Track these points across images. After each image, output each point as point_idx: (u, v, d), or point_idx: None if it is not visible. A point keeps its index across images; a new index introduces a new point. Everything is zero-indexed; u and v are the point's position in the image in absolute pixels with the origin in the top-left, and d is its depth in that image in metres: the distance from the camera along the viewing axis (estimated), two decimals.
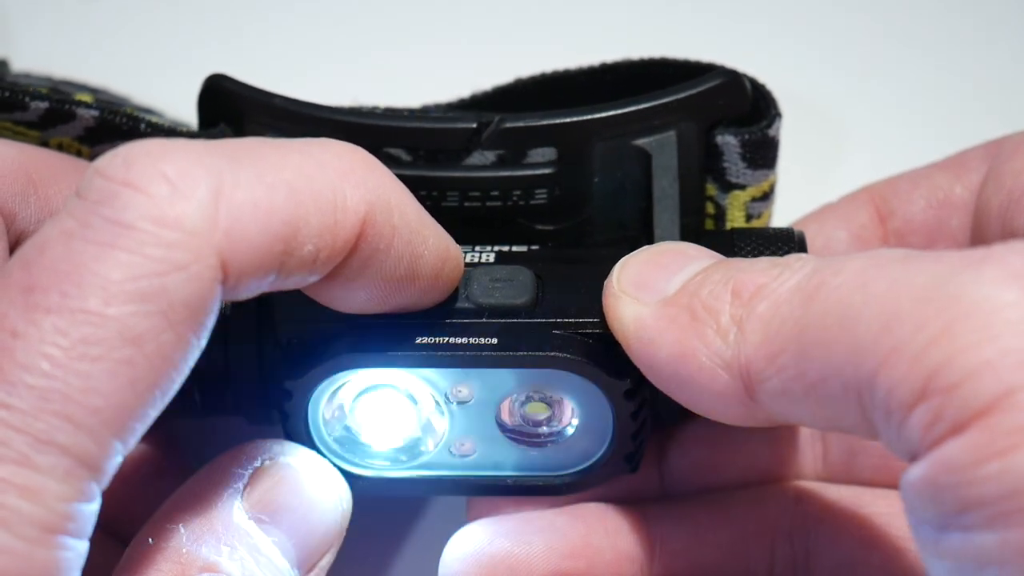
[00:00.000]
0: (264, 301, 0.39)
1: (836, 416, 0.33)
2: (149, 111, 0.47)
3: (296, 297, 0.37)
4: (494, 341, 0.39)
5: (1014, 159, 0.42)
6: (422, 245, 0.36)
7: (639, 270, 0.38)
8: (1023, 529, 0.29)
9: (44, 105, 0.43)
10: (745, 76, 0.43)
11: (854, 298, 0.32)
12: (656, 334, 0.36)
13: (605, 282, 0.39)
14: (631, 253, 0.39)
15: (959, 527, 0.30)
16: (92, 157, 0.43)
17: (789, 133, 0.44)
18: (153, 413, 0.32)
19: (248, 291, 0.34)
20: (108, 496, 0.32)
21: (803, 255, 0.35)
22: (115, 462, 0.32)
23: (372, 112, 0.43)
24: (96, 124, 0.43)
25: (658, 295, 0.37)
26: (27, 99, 0.43)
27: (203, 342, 0.33)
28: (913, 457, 0.31)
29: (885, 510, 0.42)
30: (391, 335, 0.39)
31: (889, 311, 0.31)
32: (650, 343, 0.36)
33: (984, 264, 0.31)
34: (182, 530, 0.37)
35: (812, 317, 0.33)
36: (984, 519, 0.29)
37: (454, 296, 0.39)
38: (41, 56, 0.54)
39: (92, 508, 0.31)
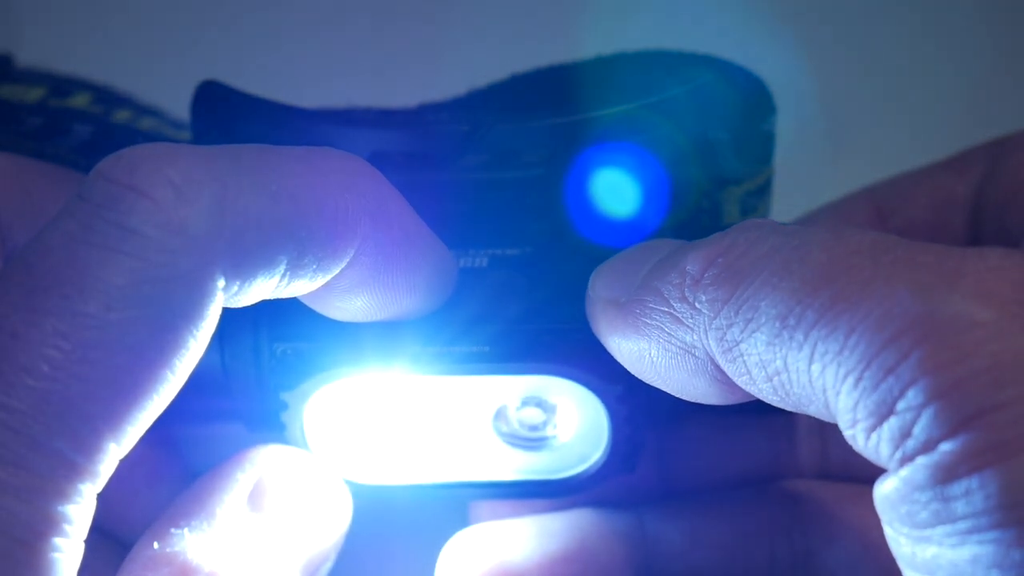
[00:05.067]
0: (260, 309, 0.39)
1: (800, 403, 0.33)
2: (150, 110, 0.47)
3: (292, 305, 0.37)
4: (488, 348, 0.39)
5: (1013, 157, 0.42)
6: (418, 255, 0.37)
7: (610, 273, 0.38)
8: (993, 546, 0.29)
9: (40, 120, 0.43)
10: (741, 69, 0.43)
11: (823, 294, 0.32)
12: (623, 332, 0.36)
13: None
14: (609, 259, 0.39)
15: (931, 542, 0.30)
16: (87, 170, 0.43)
17: (788, 129, 0.44)
18: (150, 417, 0.32)
19: (248, 298, 0.34)
20: (109, 500, 0.32)
21: (756, 222, 0.35)
22: (111, 465, 0.32)
23: (366, 115, 0.43)
24: (92, 139, 0.43)
25: (627, 294, 0.37)
26: (23, 115, 0.43)
27: (203, 347, 0.33)
28: (883, 467, 0.31)
29: None
30: (386, 343, 0.39)
31: (862, 317, 0.31)
32: (621, 342, 0.36)
33: (958, 278, 0.31)
34: (186, 534, 0.37)
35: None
36: (956, 536, 0.29)
37: (449, 302, 0.39)
38: (45, 52, 0.54)
39: (87, 510, 0.31)
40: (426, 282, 0.37)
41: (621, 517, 0.43)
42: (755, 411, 0.44)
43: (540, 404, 0.41)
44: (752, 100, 0.43)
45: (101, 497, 0.32)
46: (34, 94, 0.44)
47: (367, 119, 0.42)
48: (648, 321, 0.35)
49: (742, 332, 0.33)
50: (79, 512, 0.31)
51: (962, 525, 0.29)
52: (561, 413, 0.41)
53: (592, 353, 0.39)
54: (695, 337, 0.34)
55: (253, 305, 0.35)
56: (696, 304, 0.34)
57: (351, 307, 0.37)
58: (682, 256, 0.35)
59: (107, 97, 0.45)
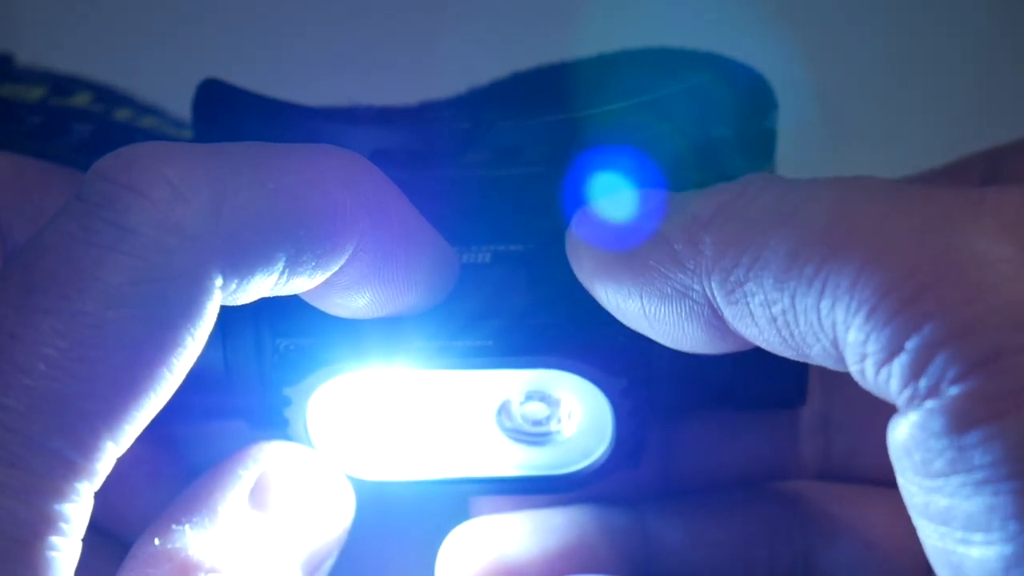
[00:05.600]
0: (262, 305, 0.39)
1: (803, 345, 0.32)
2: (151, 109, 0.47)
3: (294, 301, 0.37)
4: (491, 342, 0.39)
5: (1012, 162, 0.42)
6: (418, 250, 0.37)
7: (598, 215, 0.38)
8: (1011, 497, 0.28)
9: (40, 119, 0.43)
10: (742, 66, 0.43)
11: (836, 229, 0.31)
12: (615, 275, 0.36)
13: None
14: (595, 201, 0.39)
15: (945, 492, 0.29)
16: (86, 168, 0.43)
17: (790, 126, 0.44)
18: (148, 416, 0.32)
19: (247, 296, 0.34)
20: (110, 498, 0.33)
21: (764, 174, 0.35)
22: (109, 464, 0.32)
23: (367, 113, 0.43)
24: (92, 138, 0.43)
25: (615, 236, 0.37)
26: (23, 114, 0.43)
27: (201, 346, 0.33)
28: (896, 409, 0.30)
29: (887, 509, 0.42)
30: (388, 338, 0.39)
31: (876, 250, 0.30)
32: (609, 285, 0.36)
33: (979, 212, 0.30)
34: (187, 531, 0.37)
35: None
36: (971, 485, 0.29)
37: (451, 298, 0.39)
38: (45, 51, 0.54)
39: (84, 509, 0.31)
40: (427, 278, 0.37)
41: (621, 514, 0.43)
42: (757, 409, 0.44)
43: (544, 398, 0.41)
44: (754, 97, 0.43)
45: (101, 495, 0.32)
46: (35, 93, 0.44)
47: (368, 116, 0.42)
48: (647, 263, 0.35)
49: (748, 271, 0.33)
50: (76, 511, 0.31)
51: (979, 475, 0.29)
52: (565, 407, 0.41)
53: (596, 347, 0.39)
54: (694, 279, 0.34)
55: (254, 301, 0.35)
56: (699, 246, 0.34)
57: (352, 303, 0.37)
58: (687, 201, 0.35)
59: (108, 96, 0.45)
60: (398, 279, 0.36)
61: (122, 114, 0.44)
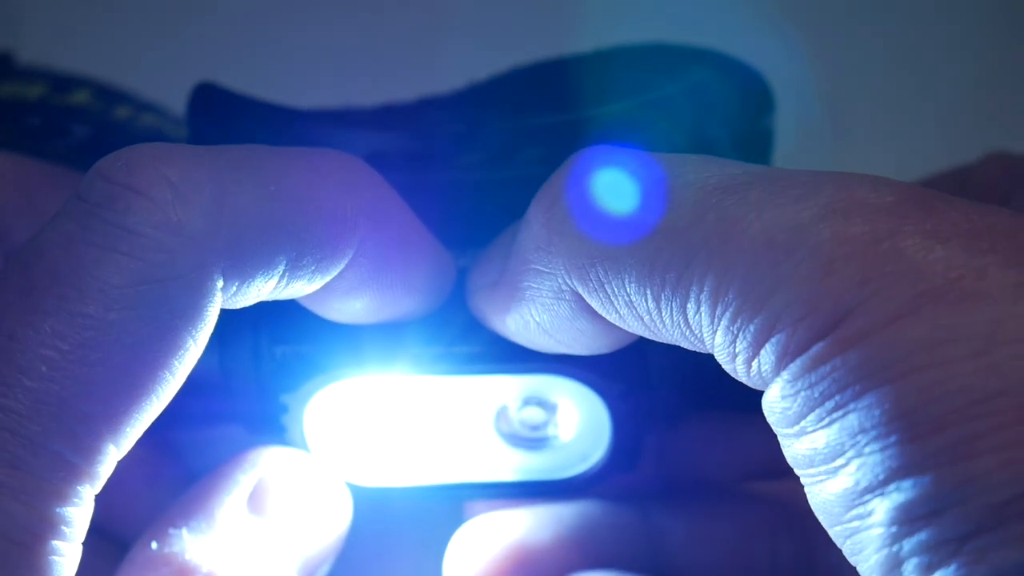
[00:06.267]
0: (260, 311, 0.39)
1: (673, 340, 0.33)
2: (150, 107, 0.46)
3: (291, 307, 0.37)
4: (488, 348, 0.39)
5: (980, 171, 0.42)
6: (416, 256, 0.36)
7: (481, 263, 0.38)
8: (855, 414, 0.29)
9: (39, 120, 0.43)
10: (741, 65, 0.42)
11: (681, 213, 0.32)
12: (505, 306, 0.36)
13: None
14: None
15: (806, 432, 0.30)
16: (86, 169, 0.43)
17: (787, 126, 0.44)
18: (149, 418, 0.32)
19: (247, 299, 0.34)
20: (109, 501, 0.32)
21: (596, 148, 0.35)
22: (110, 467, 0.32)
23: (364, 114, 0.43)
24: (91, 138, 0.43)
25: (497, 273, 0.37)
26: (23, 114, 0.42)
27: (201, 348, 0.32)
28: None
29: None
30: (386, 343, 0.39)
31: (732, 254, 0.31)
32: (507, 318, 0.36)
33: (817, 199, 0.31)
34: (185, 535, 0.37)
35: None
36: (825, 417, 0.29)
37: (448, 303, 0.39)
38: (44, 50, 0.54)
39: (85, 512, 0.31)
40: (425, 283, 0.37)
41: (626, 510, 0.43)
42: (756, 410, 0.43)
43: (541, 403, 0.41)
44: (752, 97, 0.43)
45: (100, 498, 0.32)
46: (34, 91, 0.44)
47: (365, 119, 0.42)
48: (519, 285, 0.35)
49: (607, 273, 0.33)
50: (77, 514, 0.31)
51: (829, 404, 0.29)
52: (562, 412, 0.41)
53: None
54: (560, 281, 0.34)
55: (252, 307, 0.35)
56: (550, 248, 0.34)
57: (350, 309, 0.36)
58: (528, 209, 0.35)
59: (107, 94, 0.45)
60: (396, 284, 0.36)
61: (121, 112, 0.44)
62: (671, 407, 0.38)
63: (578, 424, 0.41)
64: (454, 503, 0.44)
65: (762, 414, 0.43)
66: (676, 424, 0.44)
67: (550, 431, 0.41)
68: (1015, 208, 0.32)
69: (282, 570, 0.38)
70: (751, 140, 0.42)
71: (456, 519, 0.43)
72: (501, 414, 0.41)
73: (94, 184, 0.32)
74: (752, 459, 0.44)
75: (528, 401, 0.41)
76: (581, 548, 0.42)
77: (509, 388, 0.40)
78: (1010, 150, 0.44)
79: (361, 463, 0.41)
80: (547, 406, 0.41)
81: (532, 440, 0.41)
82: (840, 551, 0.31)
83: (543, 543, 0.42)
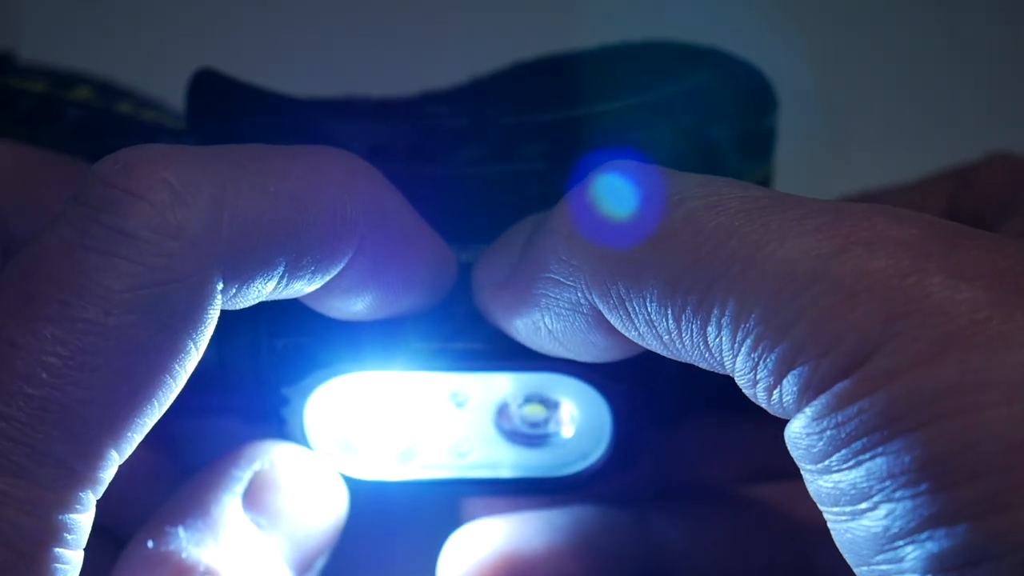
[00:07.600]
0: (259, 304, 0.39)
1: (693, 360, 0.33)
2: (151, 103, 0.46)
3: (290, 301, 0.37)
4: (489, 344, 0.39)
5: (981, 174, 0.42)
6: (417, 253, 0.36)
7: (490, 258, 0.38)
8: (883, 459, 0.29)
9: (34, 103, 0.42)
10: (743, 64, 0.42)
11: (704, 236, 0.32)
12: (515, 310, 0.36)
13: None
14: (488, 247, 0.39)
15: (831, 471, 0.30)
16: (82, 154, 0.42)
17: (789, 125, 0.44)
18: (150, 422, 0.32)
19: (246, 301, 0.33)
20: (105, 495, 0.32)
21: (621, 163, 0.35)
22: (111, 472, 0.31)
23: (365, 107, 0.42)
24: (85, 122, 0.43)
25: (508, 273, 0.37)
26: (17, 98, 0.42)
27: (201, 351, 0.32)
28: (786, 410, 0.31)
29: None
30: (387, 339, 0.39)
31: (754, 278, 0.31)
32: (516, 321, 0.36)
33: (844, 232, 0.31)
34: (181, 532, 0.37)
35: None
36: (851, 458, 0.29)
37: (449, 298, 0.39)
38: (46, 49, 0.54)
39: (87, 518, 0.31)
40: (425, 280, 0.37)
41: (622, 513, 0.43)
42: (756, 411, 0.43)
43: (542, 401, 0.41)
44: (754, 96, 0.42)
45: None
46: (35, 88, 0.44)
47: (366, 111, 0.42)
48: (533, 290, 0.35)
49: (628, 291, 0.33)
50: (80, 520, 0.31)
51: (856, 446, 0.29)
52: (563, 410, 0.41)
53: None
54: (579, 295, 0.34)
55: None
56: (572, 261, 0.34)
57: (350, 307, 0.36)
58: (549, 217, 0.35)
59: (108, 91, 0.45)
60: (397, 282, 0.36)
61: (122, 107, 0.44)
62: (672, 406, 0.38)
63: (578, 422, 0.41)
64: (453, 499, 0.43)
65: (762, 415, 0.43)
66: (674, 425, 0.44)
67: (551, 428, 0.41)
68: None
69: (279, 565, 0.38)
70: (753, 139, 0.42)
71: (455, 515, 0.43)
72: (502, 410, 0.41)
73: (92, 187, 0.31)
74: (751, 461, 0.44)
75: (529, 398, 0.41)
76: (575, 555, 0.42)
77: (510, 385, 0.40)
78: (1011, 150, 0.44)
79: (361, 457, 0.41)
80: (548, 403, 0.41)
81: (532, 437, 0.41)
82: (838, 554, 0.31)
83: (536, 551, 0.42)
